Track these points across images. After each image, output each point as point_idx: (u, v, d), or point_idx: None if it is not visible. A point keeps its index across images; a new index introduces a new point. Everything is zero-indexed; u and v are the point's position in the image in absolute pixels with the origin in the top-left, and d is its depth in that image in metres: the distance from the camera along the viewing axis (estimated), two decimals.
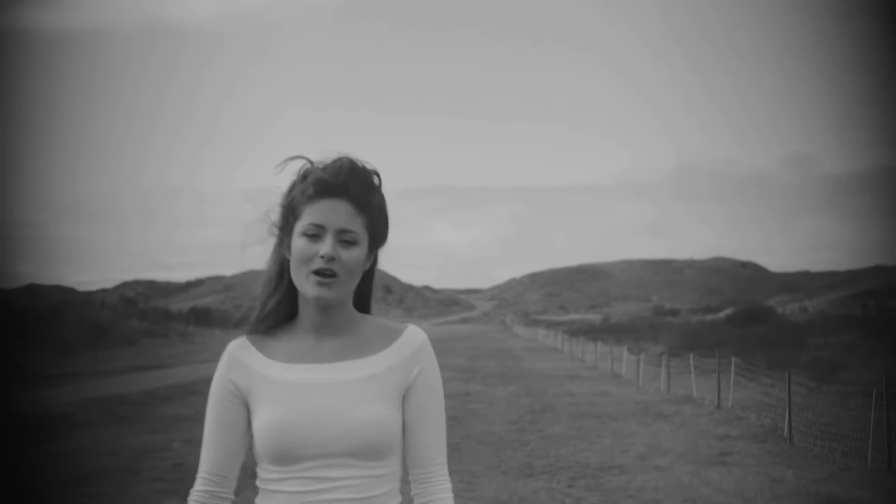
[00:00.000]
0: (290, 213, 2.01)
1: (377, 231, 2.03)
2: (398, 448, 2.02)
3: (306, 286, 1.96)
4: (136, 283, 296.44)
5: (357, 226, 1.97)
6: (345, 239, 1.96)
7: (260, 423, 1.99)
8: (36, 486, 10.70)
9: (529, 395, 21.84)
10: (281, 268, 2.06)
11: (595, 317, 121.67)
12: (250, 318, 2.11)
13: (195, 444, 13.36)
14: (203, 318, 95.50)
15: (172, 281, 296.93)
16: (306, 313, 2.04)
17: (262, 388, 2.01)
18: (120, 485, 10.55)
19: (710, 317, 68.51)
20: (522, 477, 10.77)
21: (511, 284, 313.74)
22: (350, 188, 1.97)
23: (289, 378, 2.00)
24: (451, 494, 2.05)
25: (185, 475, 10.94)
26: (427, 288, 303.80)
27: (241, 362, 2.06)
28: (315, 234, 1.95)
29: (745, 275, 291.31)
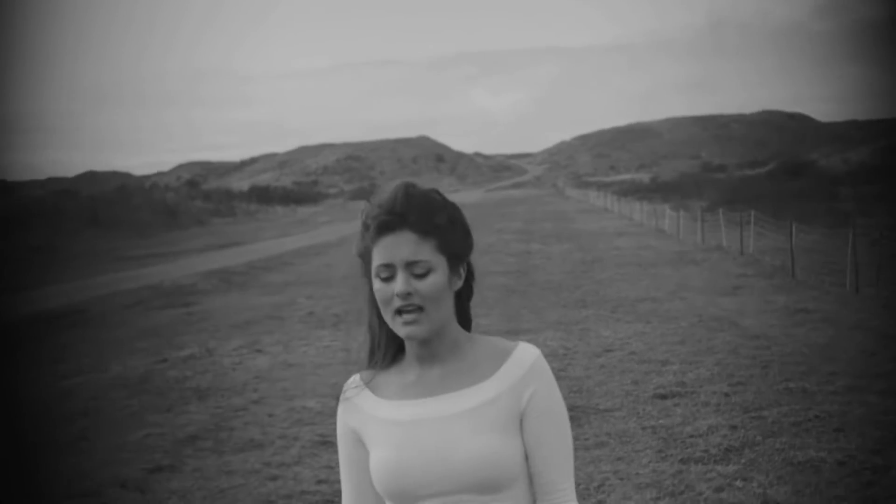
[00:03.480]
0: (365, 259, 1.97)
1: (453, 248, 1.95)
2: (521, 477, 1.95)
3: (395, 327, 1.93)
4: (192, 164, 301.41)
5: (425, 253, 1.90)
6: (416, 272, 1.89)
7: (374, 464, 1.98)
8: (213, 329, 14.12)
9: (582, 251, 25.21)
10: (377, 312, 2.00)
11: (644, 176, 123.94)
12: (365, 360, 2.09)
13: (316, 298, 16.99)
14: (263, 195, 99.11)
15: (226, 160, 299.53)
16: (410, 346, 2.00)
17: (374, 429, 2.00)
18: (277, 326, 14.13)
19: (753, 171, 70.75)
20: (577, 308, 14.20)
21: (561, 147, 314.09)
22: (409, 216, 1.90)
23: (397, 416, 1.98)
24: None
25: (321, 319, 14.49)
26: (478, 154, 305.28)
27: (353, 404, 2.05)
28: (387, 276, 1.91)
29: (794, 127, 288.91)
